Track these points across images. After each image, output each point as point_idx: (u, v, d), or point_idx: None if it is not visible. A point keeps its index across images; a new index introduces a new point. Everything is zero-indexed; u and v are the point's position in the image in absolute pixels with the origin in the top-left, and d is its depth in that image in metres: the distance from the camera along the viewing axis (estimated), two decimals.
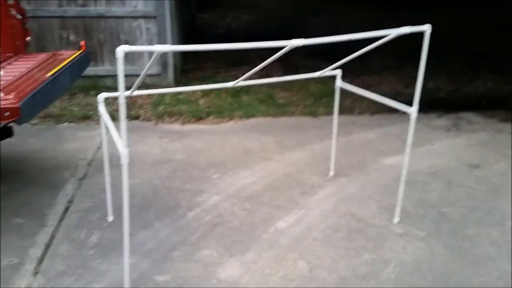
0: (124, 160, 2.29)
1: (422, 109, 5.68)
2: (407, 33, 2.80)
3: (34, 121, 5.02)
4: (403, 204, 3.57)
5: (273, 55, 2.76)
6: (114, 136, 2.50)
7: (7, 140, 3.75)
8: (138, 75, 2.62)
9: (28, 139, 4.61)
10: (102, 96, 2.91)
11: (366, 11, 13.56)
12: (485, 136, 5.07)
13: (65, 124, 5.08)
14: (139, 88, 2.79)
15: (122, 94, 2.18)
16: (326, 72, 3.56)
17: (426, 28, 2.80)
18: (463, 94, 6.67)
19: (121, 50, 2.05)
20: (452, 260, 3.00)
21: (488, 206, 3.65)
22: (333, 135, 3.97)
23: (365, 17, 12.81)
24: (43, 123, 5.03)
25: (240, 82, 3.22)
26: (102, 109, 2.91)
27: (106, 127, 2.77)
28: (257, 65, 2.94)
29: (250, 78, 3.14)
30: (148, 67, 2.47)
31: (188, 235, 3.16)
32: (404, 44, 8.41)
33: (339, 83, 3.70)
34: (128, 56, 6.24)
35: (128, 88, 2.85)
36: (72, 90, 5.93)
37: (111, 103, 5.52)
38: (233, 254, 2.99)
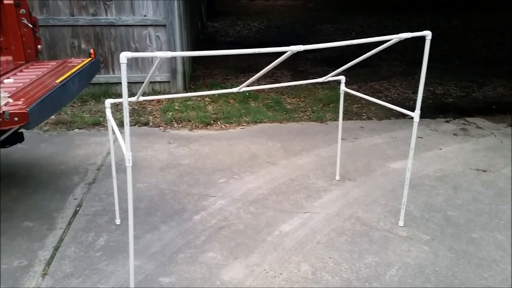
0: (128, 163, 2.34)
1: (431, 114, 5.75)
2: (408, 38, 2.83)
3: (46, 128, 5.14)
4: (408, 208, 3.59)
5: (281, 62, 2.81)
6: (121, 140, 2.56)
7: (19, 145, 3.85)
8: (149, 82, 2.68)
9: (40, 144, 4.72)
10: (108, 102, 2.98)
11: (377, 19, 13.60)
12: (493, 140, 5.05)
13: (76, 130, 5.18)
14: (148, 94, 2.85)
15: (125, 99, 2.23)
16: (332, 77, 3.59)
17: (427, 34, 2.83)
18: (472, 100, 6.65)
19: (124, 56, 2.11)
20: (456, 263, 2.99)
21: (494, 210, 3.64)
22: (338, 139, 4.00)
23: (376, 24, 12.85)
24: (54, 129, 5.13)
25: (244, 87, 3.27)
26: (109, 114, 2.97)
27: (114, 132, 2.84)
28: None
29: (259, 84, 3.19)
30: (151, 74, 2.52)
31: (193, 238, 3.20)
32: (414, 50, 8.45)
33: (343, 87, 3.73)
34: (138, 63, 6.38)
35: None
36: (83, 97, 6.06)
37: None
38: (237, 257, 3.02)
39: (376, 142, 4.97)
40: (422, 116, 3.20)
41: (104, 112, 5.40)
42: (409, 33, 2.81)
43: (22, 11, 3.81)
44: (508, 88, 7.13)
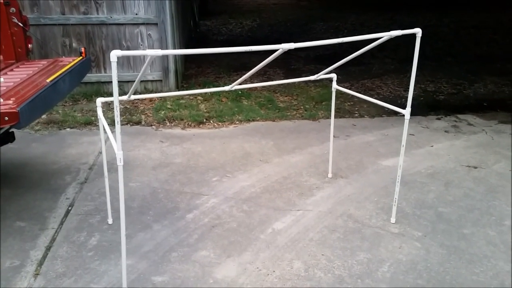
0: (119, 162, 2.34)
1: (422, 112, 5.79)
2: (400, 36, 2.85)
3: (37, 127, 5.11)
4: (400, 205, 3.61)
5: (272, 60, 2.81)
6: (112, 139, 2.56)
7: (10, 145, 3.83)
8: (140, 81, 2.67)
9: (31, 144, 4.69)
10: (99, 100, 2.97)
11: (369, 17, 13.63)
12: (484, 137, 5.08)
13: (68, 129, 5.15)
14: (140, 93, 2.84)
15: (116, 98, 2.23)
16: (323, 75, 3.60)
17: (417, 31, 2.85)
18: (464, 97, 6.69)
19: (114, 54, 2.10)
20: (448, 259, 3.02)
21: (485, 206, 3.67)
22: (330, 137, 4.01)
23: (368, 22, 12.89)
24: (46, 129, 5.10)
25: (237, 85, 3.27)
26: (100, 113, 2.96)
27: (105, 131, 2.83)
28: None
29: (251, 82, 3.18)
30: (142, 72, 2.52)
31: (186, 237, 3.20)
32: (406, 48, 8.48)
33: (335, 85, 3.74)
34: (130, 62, 6.35)
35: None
36: (75, 96, 6.03)
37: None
38: (230, 255, 3.02)
39: (368, 140, 4.99)
40: (413, 113, 3.22)
41: (96, 111, 5.38)
42: (400, 30, 2.82)
43: (12, 10, 3.78)
44: (499, 85, 7.18)
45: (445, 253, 3.08)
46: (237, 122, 5.44)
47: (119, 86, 2.21)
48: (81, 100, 6.03)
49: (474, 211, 3.60)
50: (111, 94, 6.05)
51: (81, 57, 3.93)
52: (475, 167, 4.33)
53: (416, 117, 5.55)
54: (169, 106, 5.78)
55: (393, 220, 3.41)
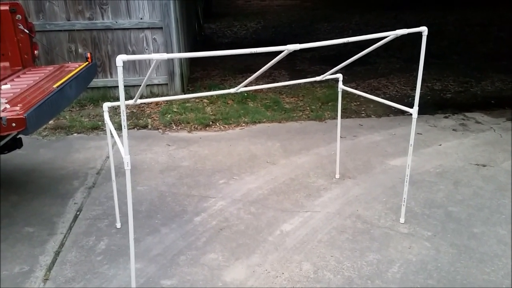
0: (126, 167, 2.34)
1: (430, 110, 5.76)
2: (405, 35, 2.83)
3: (45, 133, 5.13)
4: (409, 205, 3.59)
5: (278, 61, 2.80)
6: (119, 144, 2.56)
7: (18, 151, 3.84)
8: (146, 85, 2.68)
9: (39, 150, 4.71)
10: (106, 105, 2.98)
11: (374, 16, 13.60)
12: (492, 135, 5.04)
13: (75, 134, 5.17)
14: (146, 97, 2.84)
15: (123, 102, 2.24)
16: (329, 75, 3.58)
17: (423, 30, 2.83)
18: (471, 95, 6.65)
19: (120, 59, 2.11)
20: (458, 259, 2.99)
21: (495, 205, 3.63)
22: (337, 137, 4.00)
23: (373, 22, 12.85)
24: (53, 134, 5.13)
25: (242, 87, 3.27)
26: (107, 118, 2.97)
27: (112, 136, 2.84)
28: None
29: (257, 84, 3.17)
30: (148, 76, 2.52)
31: (194, 240, 3.20)
32: (411, 47, 8.45)
33: (341, 86, 3.72)
34: (135, 66, 6.36)
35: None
36: (82, 102, 6.06)
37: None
38: (238, 257, 3.02)
39: (376, 140, 4.96)
40: (421, 112, 3.20)
41: (102, 116, 5.40)
42: (406, 29, 2.81)
43: (18, 17, 3.80)
44: (506, 83, 7.13)
45: (455, 252, 3.05)
46: (243, 124, 5.44)
47: (125, 91, 2.22)
48: (88, 105, 6.06)
49: (484, 209, 3.57)
50: (117, 99, 6.07)
51: (87, 63, 3.94)
52: (484, 166, 4.30)
53: (423, 116, 5.52)
54: (175, 110, 5.79)
55: (402, 220, 3.39)
